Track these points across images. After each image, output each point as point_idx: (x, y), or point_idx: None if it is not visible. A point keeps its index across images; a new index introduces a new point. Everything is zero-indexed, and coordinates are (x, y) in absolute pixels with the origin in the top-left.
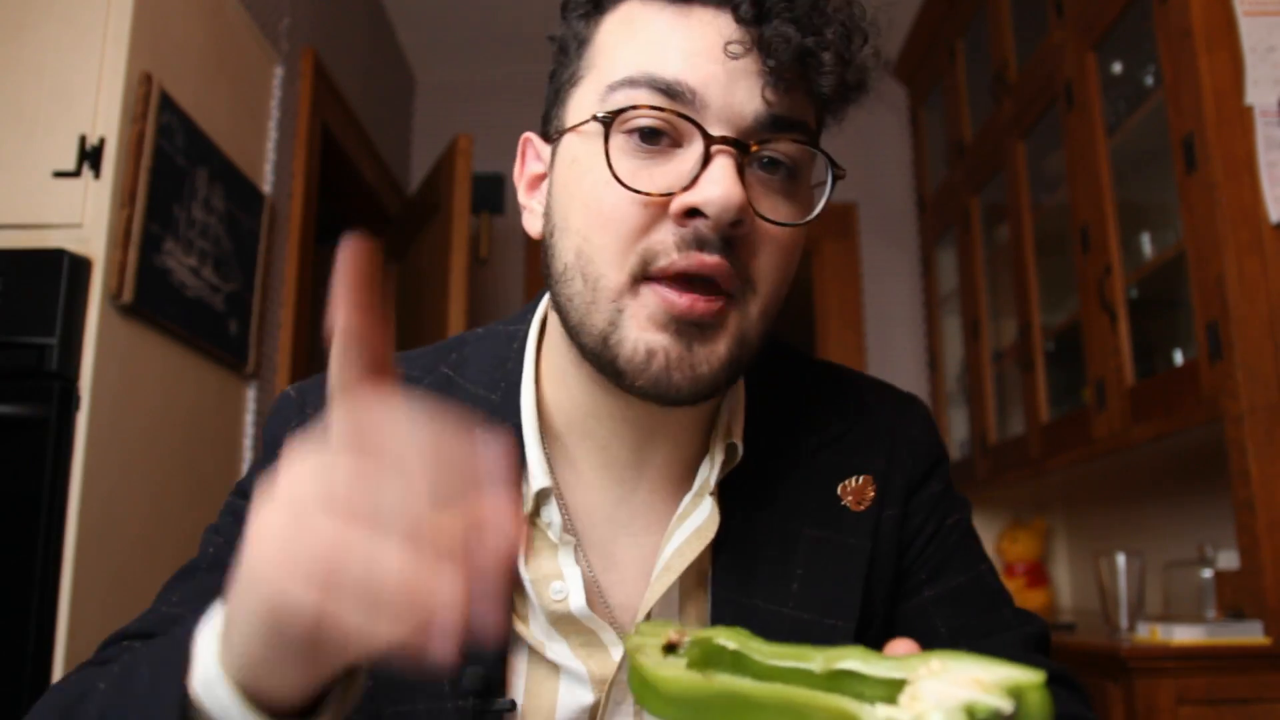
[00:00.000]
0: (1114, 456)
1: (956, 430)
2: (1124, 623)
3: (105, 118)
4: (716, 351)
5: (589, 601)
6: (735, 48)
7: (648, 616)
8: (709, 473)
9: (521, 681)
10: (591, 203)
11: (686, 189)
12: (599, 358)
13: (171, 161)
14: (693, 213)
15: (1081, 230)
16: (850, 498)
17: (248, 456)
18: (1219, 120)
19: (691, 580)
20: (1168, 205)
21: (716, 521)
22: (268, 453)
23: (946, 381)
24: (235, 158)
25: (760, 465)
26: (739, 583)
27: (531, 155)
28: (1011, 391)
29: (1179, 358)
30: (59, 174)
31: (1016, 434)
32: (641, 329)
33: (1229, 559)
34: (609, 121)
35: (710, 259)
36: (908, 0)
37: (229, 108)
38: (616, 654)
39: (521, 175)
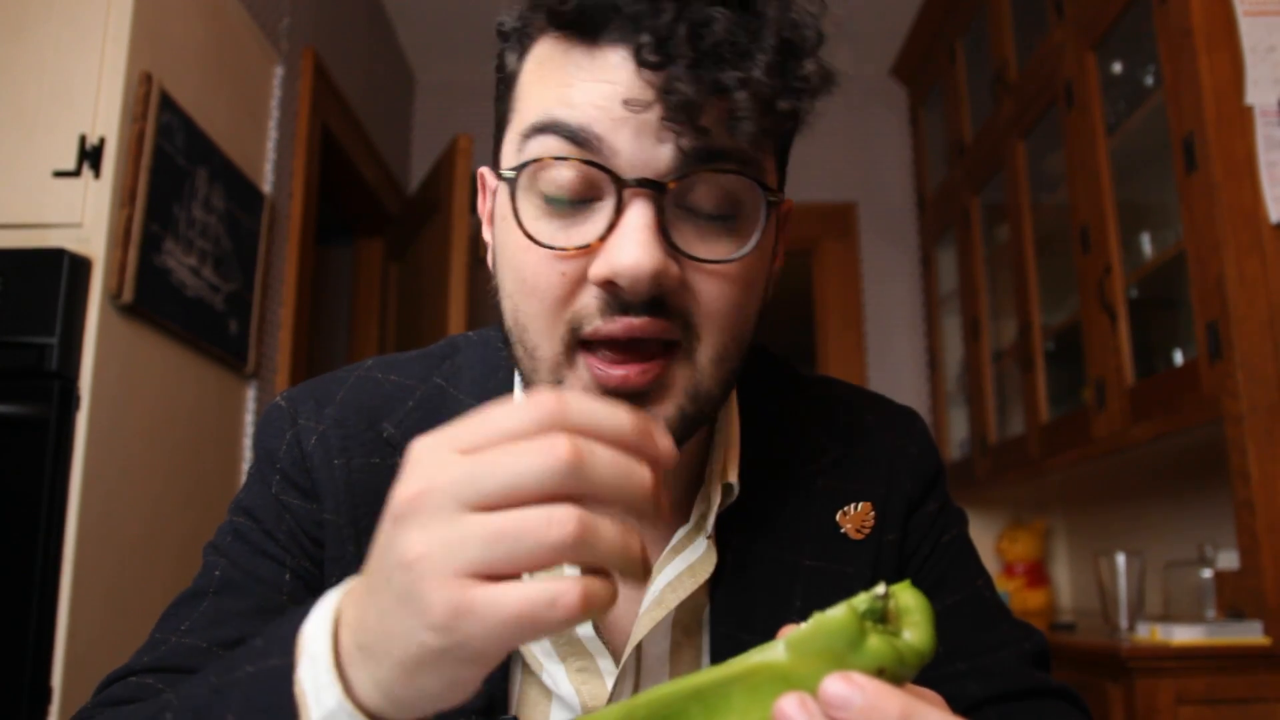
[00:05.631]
0: (1114, 456)
1: (956, 430)
2: (1124, 623)
3: (105, 117)
4: (664, 412)
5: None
6: (636, 102)
7: (638, 647)
8: (704, 511)
9: (514, 703)
10: (516, 267)
11: (602, 239)
12: None
13: (171, 161)
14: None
15: (1081, 230)
16: (850, 525)
17: (247, 456)
18: (1219, 120)
19: (688, 616)
20: (1168, 205)
21: (713, 562)
22: (263, 467)
23: (946, 381)
24: (235, 158)
25: (757, 496)
26: (738, 619)
27: (490, 191)
28: (1011, 391)
29: (1179, 358)
30: (59, 174)
31: (1016, 434)
32: None
33: (1229, 559)
34: (513, 179)
35: (638, 321)
36: (907, 0)
37: (229, 108)
38: (610, 682)
39: (484, 210)
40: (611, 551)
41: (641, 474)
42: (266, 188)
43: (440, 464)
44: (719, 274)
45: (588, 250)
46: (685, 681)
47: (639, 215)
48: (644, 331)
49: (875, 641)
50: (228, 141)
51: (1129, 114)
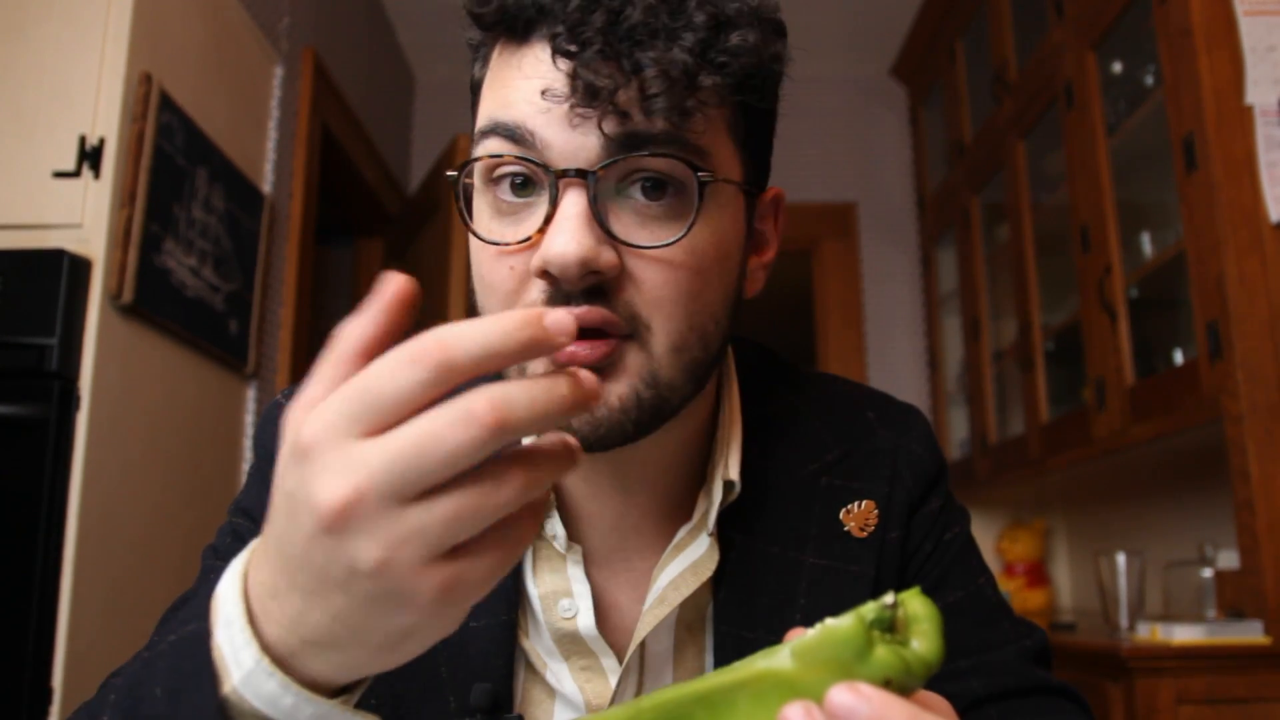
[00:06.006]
0: (1114, 456)
1: (956, 430)
2: (1124, 623)
3: (105, 118)
4: (618, 390)
5: (595, 621)
6: (553, 93)
7: (642, 645)
8: (706, 509)
9: (518, 701)
10: (475, 265)
11: (541, 231)
12: None
13: (171, 161)
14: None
15: (1081, 230)
16: (853, 524)
17: (247, 456)
18: (1219, 120)
19: (691, 614)
20: (1168, 205)
21: (715, 559)
22: (263, 466)
23: (946, 381)
24: (235, 158)
25: (759, 494)
26: (741, 617)
27: None
28: (1011, 391)
29: (1179, 358)
30: (59, 174)
31: (1016, 434)
32: None
33: (1229, 559)
34: (455, 180)
35: (577, 311)
36: (907, 0)
37: (229, 108)
38: (613, 680)
39: None
40: (556, 466)
41: (559, 389)
42: (266, 188)
43: (355, 461)
44: (663, 260)
45: (529, 244)
46: (691, 685)
47: (570, 204)
48: (585, 320)
49: (882, 652)
50: (228, 141)
51: (1129, 114)
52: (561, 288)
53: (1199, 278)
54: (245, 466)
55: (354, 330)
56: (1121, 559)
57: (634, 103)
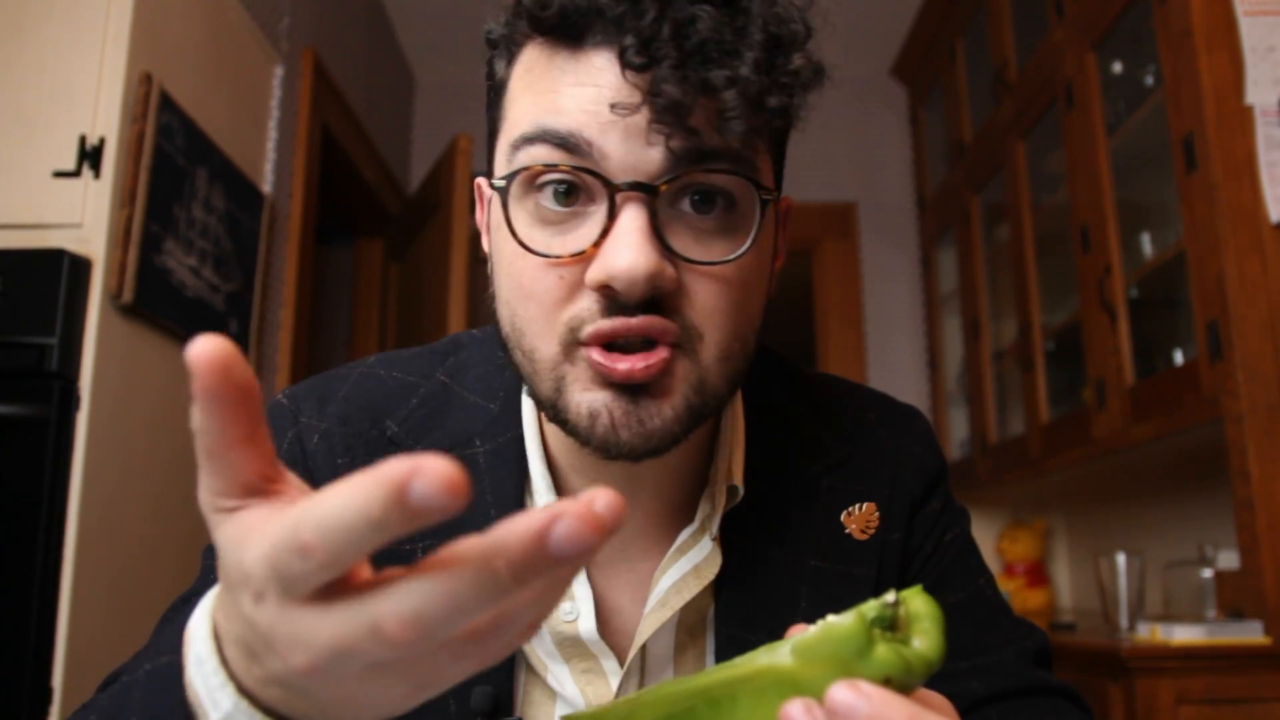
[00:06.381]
0: (1114, 456)
1: (956, 430)
2: (1124, 623)
3: (105, 118)
4: (669, 403)
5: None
6: (623, 106)
7: (643, 647)
8: (709, 512)
9: (519, 704)
10: (512, 274)
11: (597, 245)
12: (554, 418)
13: (171, 161)
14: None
15: (1081, 230)
16: (854, 526)
17: None
18: (1219, 120)
19: (692, 617)
20: (1168, 205)
21: (717, 563)
22: None
23: (946, 381)
24: (235, 158)
25: (761, 497)
26: (742, 619)
27: (485, 200)
28: (1011, 391)
29: (1179, 357)
30: (59, 174)
31: (1016, 434)
32: (584, 390)
33: (1229, 559)
34: (504, 188)
35: (635, 320)
36: (907, 0)
37: (229, 108)
38: (614, 683)
39: (481, 219)
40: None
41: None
42: (266, 188)
43: (307, 635)
44: (715, 275)
45: (583, 256)
46: (693, 680)
47: (632, 219)
48: (641, 330)
49: (883, 650)
50: (228, 141)
51: (1129, 114)
52: (619, 300)
53: (1199, 278)
54: None
55: (207, 426)
56: (1121, 559)
57: (704, 119)
